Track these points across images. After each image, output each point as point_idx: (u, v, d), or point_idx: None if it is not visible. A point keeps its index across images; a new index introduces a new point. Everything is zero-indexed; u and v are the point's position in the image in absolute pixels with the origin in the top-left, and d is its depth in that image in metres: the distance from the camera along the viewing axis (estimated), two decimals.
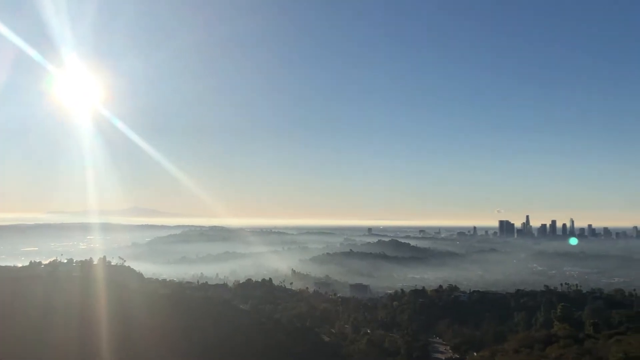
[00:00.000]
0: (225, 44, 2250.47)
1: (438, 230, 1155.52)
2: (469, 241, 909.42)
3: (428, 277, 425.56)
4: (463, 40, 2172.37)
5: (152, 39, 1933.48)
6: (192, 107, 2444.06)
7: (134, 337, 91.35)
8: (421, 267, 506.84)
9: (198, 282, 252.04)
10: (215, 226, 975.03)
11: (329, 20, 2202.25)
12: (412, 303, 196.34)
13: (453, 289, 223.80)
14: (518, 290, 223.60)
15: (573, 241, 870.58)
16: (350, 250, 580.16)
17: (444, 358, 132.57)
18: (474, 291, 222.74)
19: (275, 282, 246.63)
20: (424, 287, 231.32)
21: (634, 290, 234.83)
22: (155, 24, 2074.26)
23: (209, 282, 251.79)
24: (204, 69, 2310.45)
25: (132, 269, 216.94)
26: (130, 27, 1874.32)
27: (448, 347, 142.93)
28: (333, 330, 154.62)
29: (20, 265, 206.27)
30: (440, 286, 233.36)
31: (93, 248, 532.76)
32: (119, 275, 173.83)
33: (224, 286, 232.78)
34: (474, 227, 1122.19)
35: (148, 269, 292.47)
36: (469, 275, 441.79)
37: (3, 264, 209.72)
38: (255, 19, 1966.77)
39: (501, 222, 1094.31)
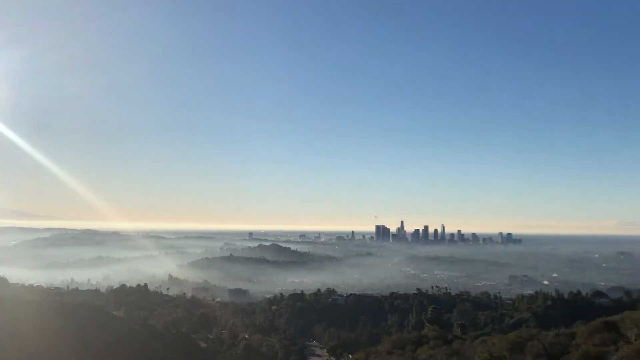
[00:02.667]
0: (109, 39, 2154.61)
1: (318, 234, 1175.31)
2: (347, 245, 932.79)
3: (307, 281, 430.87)
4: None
5: (31, 32, 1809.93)
6: (68, 106, 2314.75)
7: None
8: (301, 271, 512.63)
9: (68, 287, 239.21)
10: (88, 230, 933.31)
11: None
12: (290, 307, 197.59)
13: (331, 292, 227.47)
14: (392, 293, 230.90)
15: None
16: (231, 254, 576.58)
17: None
18: (350, 294, 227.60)
19: (151, 288, 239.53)
20: (302, 291, 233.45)
21: (499, 293, 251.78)
22: (33, 16, 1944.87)
23: (80, 288, 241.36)
24: (86, 66, 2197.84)
25: None
26: (6, 20, 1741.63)
27: (325, 350, 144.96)
28: (210, 336, 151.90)
29: None
30: (319, 290, 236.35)
31: None
32: None
33: (95, 292, 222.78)
34: (352, 232, 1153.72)
35: (14, 274, 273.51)
36: (347, 279, 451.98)
37: None
38: (137, 13, 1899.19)
39: (378, 227, 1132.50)
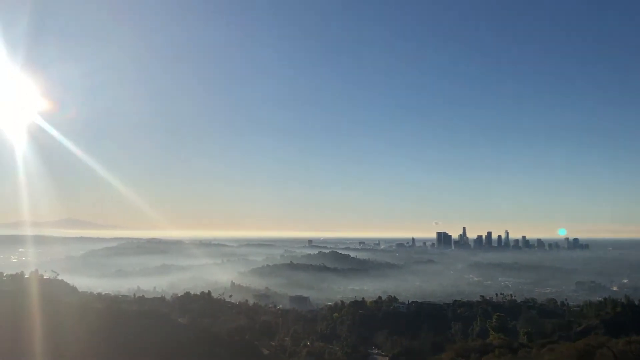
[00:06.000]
0: (167, 48, 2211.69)
1: (377, 241, 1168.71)
2: (407, 252, 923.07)
3: (368, 288, 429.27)
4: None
5: (90, 44, 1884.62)
6: (128, 116, 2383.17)
7: (67, 353, 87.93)
8: (361, 278, 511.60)
9: (134, 295, 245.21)
10: (152, 238, 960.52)
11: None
12: (351, 314, 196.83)
13: (392, 299, 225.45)
14: (455, 300, 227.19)
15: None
16: (291, 262, 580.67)
17: None
18: (412, 302, 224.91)
19: (215, 295, 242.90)
20: (363, 299, 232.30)
21: (566, 299, 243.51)
22: (93, 28, 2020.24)
23: (146, 296, 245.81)
24: (143, 75, 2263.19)
25: (66, 282, 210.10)
26: (67, 32, 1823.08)
27: (387, 358, 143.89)
28: (273, 343, 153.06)
29: None
30: (380, 297, 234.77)
31: (25, 261, 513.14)
32: (52, 289, 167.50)
33: (161, 299, 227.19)
34: (413, 239, 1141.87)
35: (82, 282, 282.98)
36: (408, 286, 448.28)
37: None
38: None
39: (439, 234, 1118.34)
